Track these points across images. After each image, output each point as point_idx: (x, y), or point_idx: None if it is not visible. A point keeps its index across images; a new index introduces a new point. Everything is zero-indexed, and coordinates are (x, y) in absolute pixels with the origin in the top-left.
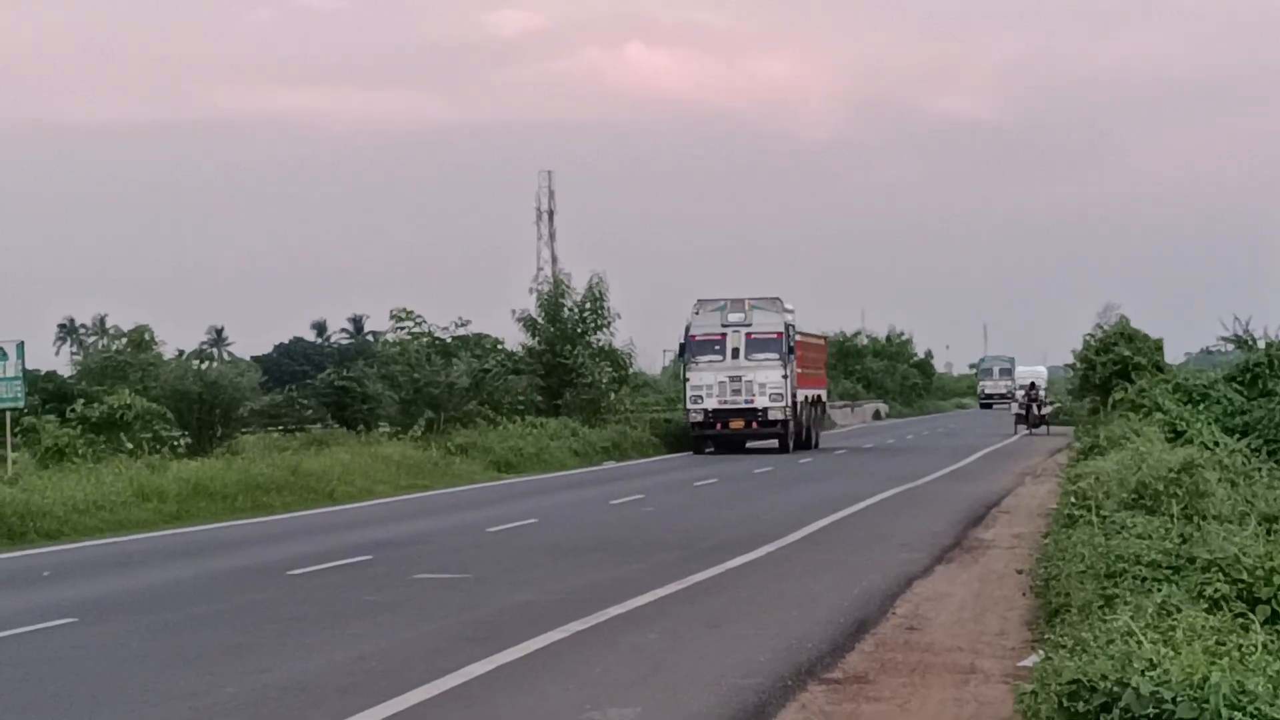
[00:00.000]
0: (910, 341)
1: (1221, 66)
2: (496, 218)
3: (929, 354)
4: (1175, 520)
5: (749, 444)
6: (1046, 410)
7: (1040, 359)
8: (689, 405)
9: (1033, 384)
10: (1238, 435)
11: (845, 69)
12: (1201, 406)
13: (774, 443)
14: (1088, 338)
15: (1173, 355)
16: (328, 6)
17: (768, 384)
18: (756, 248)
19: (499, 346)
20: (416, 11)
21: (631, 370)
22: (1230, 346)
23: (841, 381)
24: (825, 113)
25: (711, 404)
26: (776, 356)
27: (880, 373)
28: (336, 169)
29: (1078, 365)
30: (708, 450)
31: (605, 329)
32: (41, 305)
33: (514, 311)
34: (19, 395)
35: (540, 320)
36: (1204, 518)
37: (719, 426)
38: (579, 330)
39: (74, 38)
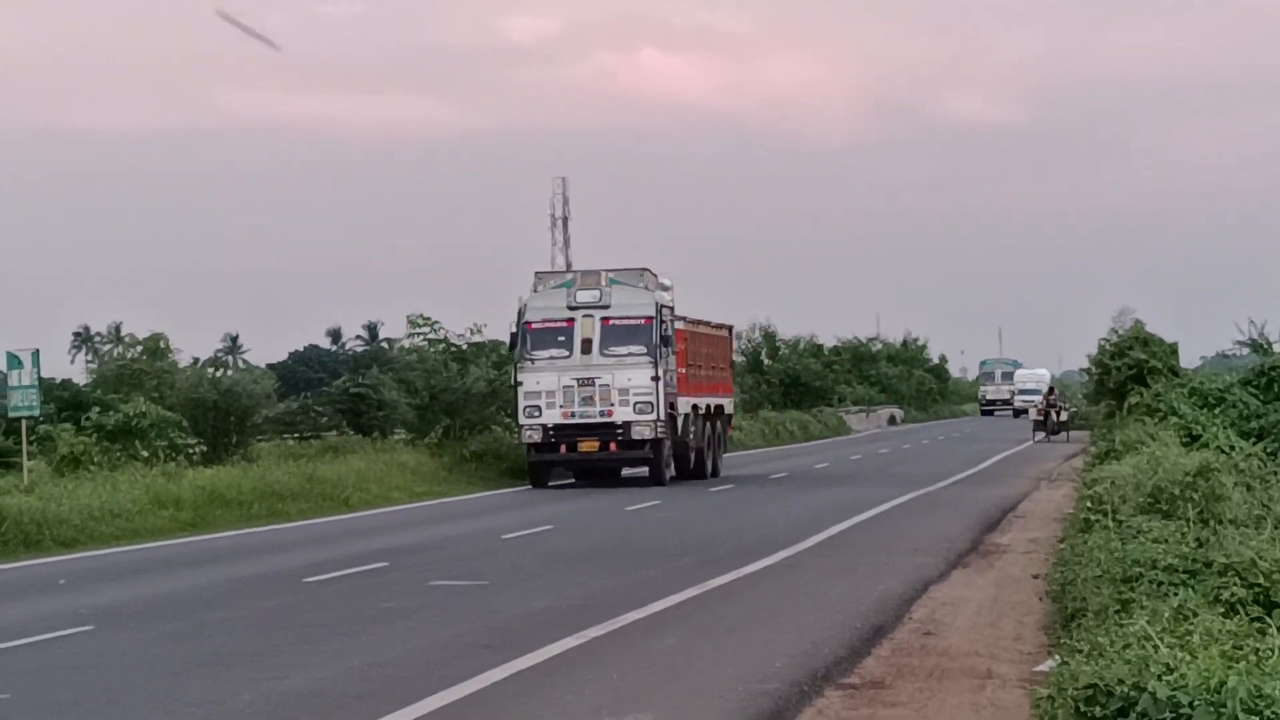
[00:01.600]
0: (925, 346)
1: (1239, 66)
2: (511, 223)
3: (943, 358)
4: (1191, 524)
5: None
6: (1065, 416)
7: (1055, 363)
8: (522, 420)
9: (1051, 389)
10: (1254, 439)
11: (859, 72)
12: (1217, 410)
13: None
14: (1103, 342)
15: (1188, 359)
16: (340, 12)
17: (631, 389)
18: (771, 251)
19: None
20: (430, 17)
21: None
22: (1245, 350)
23: (856, 387)
24: (839, 115)
25: (553, 417)
26: (644, 351)
27: (895, 378)
28: (350, 175)
29: (1093, 370)
30: (568, 482)
31: None
32: (56, 313)
33: None
34: (35, 403)
35: None
36: (1220, 522)
37: (564, 449)
38: None
39: (86, 43)
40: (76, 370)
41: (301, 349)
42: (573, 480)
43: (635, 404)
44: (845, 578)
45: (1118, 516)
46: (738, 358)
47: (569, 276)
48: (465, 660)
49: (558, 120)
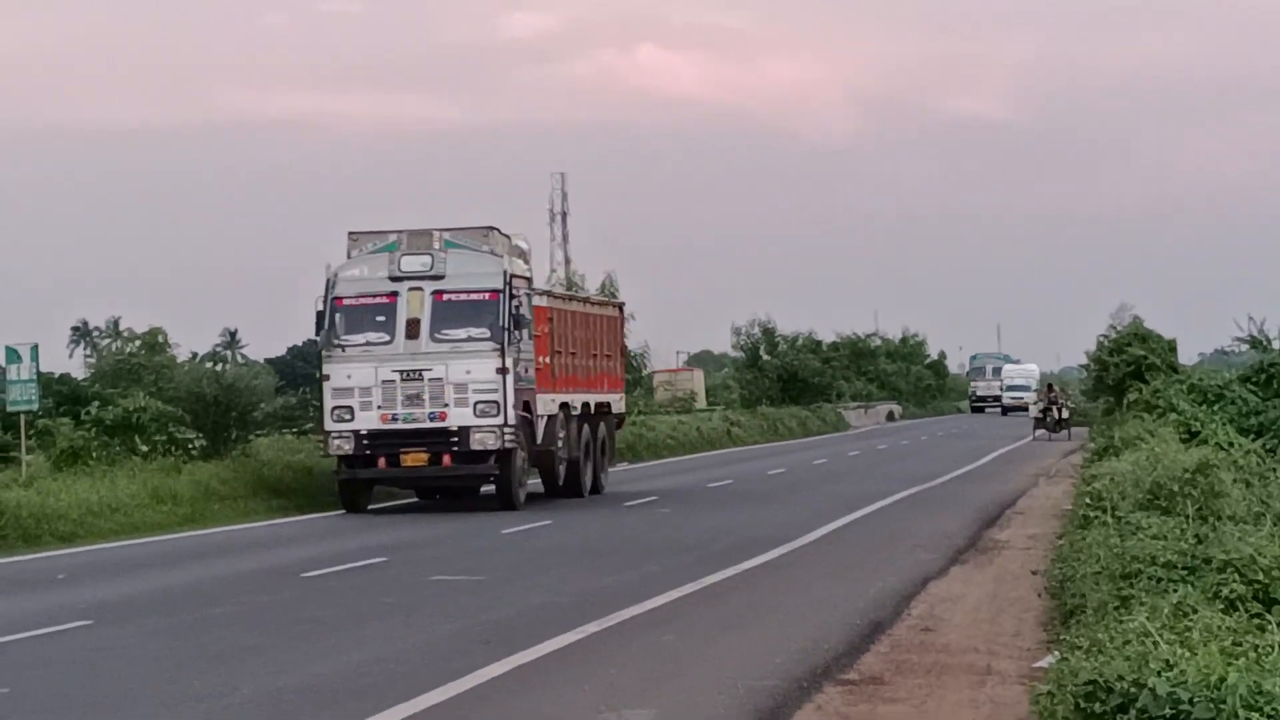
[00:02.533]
0: (924, 343)
1: (1236, 65)
2: (510, 219)
3: (942, 355)
4: (1191, 521)
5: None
6: (1066, 413)
7: (1054, 360)
8: (329, 425)
9: (1051, 385)
10: (1253, 435)
11: (858, 70)
12: (1216, 407)
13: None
14: (1101, 338)
15: (1187, 356)
16: (340, 9)
17: (471, 385)
18: (770, 248)
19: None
20: (429, 14)
21: (646, 372)
22: (1245, 347)
23: (855, 383)
24: (839, 113)
25: (369, 422)
26: (488, 334)
27: (894, 374)
28: (349, 171)
29: (1091, 366)
30: (404, 502)
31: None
32: (55, 308)
33: None
34: (34, 398)
35: None
36: (1219, 518)
37: (383, 463)
38: None
39: (87, 41)
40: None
41: (300, 344)
42: (415, 499)
43: (476, 404)
44: (844, 574)
45: (1117, 513)
46: (735, 354)
47: (392, 238)
48: (465, 655)
49: (557, 117)
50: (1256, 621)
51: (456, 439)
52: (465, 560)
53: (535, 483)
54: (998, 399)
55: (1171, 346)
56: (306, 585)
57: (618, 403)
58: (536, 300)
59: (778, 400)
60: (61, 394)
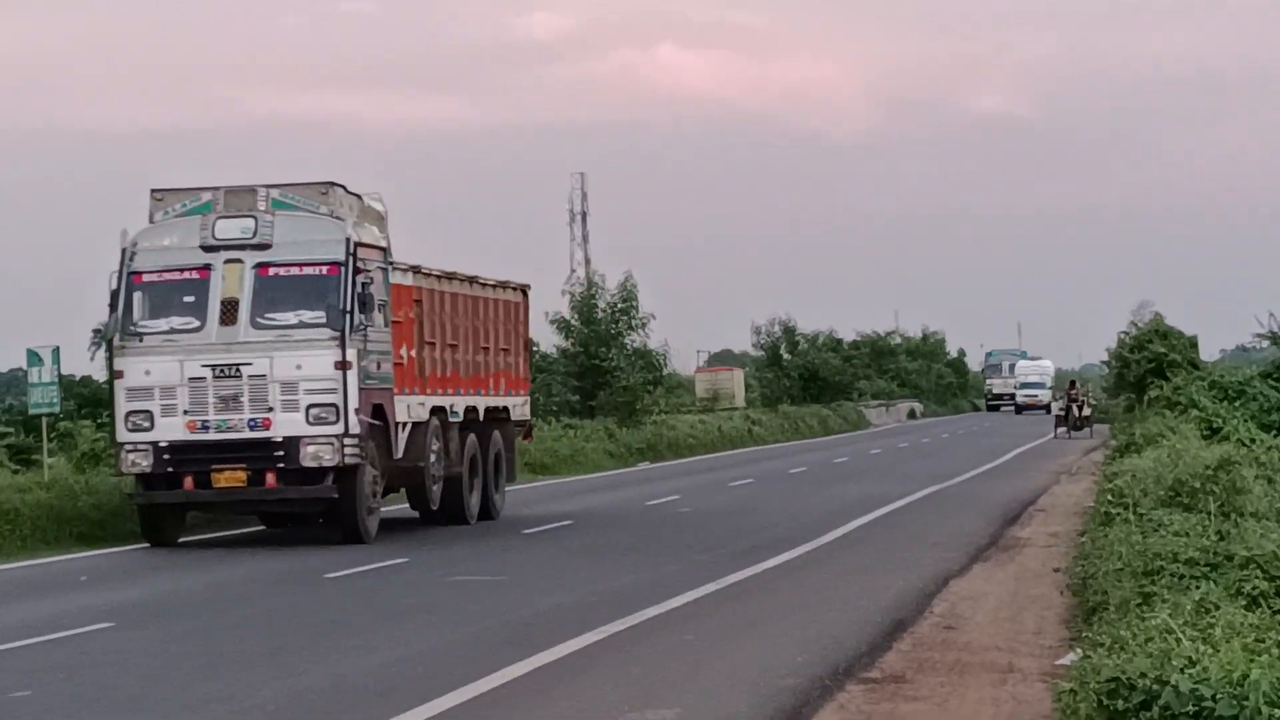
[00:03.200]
0: (944, 341)
1: (1257, 59)
2: (529, 220)
3: (962, 353)
4: (1212, 517)
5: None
6: (1088, 411)
7: (1075, 357)
8: (122, 435)
9: (1073, 382)
10: (1274, 432)
11: (878, 67)
12: (1238, 403)
13: (422, 512)
14: (1122, 335)
15: (1208, 352)
16: (359, 10)
17: (303, 383)
18: (790, 246)
19: (533, 348)
20: (448, 14)
21: (666, 371)
22: (1265, 343)
23: (876, 381)
24: (858, 111)
25: (171, 431)
26: (324, 320)
27: (914, 372)
28: (368, 172)
29: (1112, 363)
30: (248, 530)
31: (639, 330)
32: (77, 311)
33: (547, 314)
34: (55, 400)
35: (574, 322)
36: (1241, 514)
37: (190, 483)
38: (613, 332)
39: (103, 43)
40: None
41: None
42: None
43: (309, 408)
44: (865, 572)
45: (1138, 510)
46: (755, 353)
47: (205, 197)
48: (486, 656)
49: (576, 116)
50: (1279, 618)
51: (283, 453)
52: (487, 560)
53: (402, 507)
54: (1014, 397)
55: (1192, 343)
56: (329, 586)
57: (519, 407)
58: (398, 277)
59: (799, 399)
60: (83, 396)
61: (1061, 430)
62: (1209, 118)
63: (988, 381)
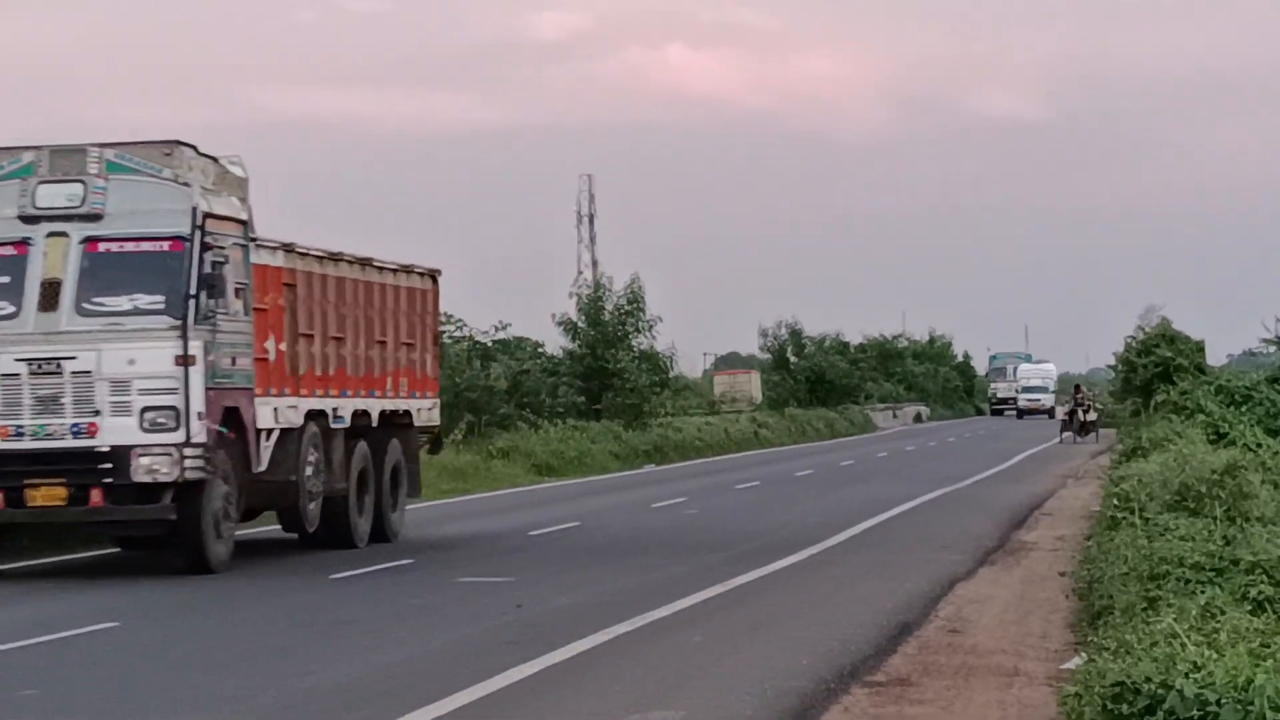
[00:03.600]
0: (951, 344)
1: (1266, 60)
2: (537, 221)
3: (968, 356)
4: (1219, 522)
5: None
6: (1094, 415)
7: (1082, 361)
8: None
9: (1078, 386)
10: None
11: (887, 68)
12: (1244, 408)
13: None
14: (1129, 339)
15: (1214, 357)
16: (369, 8)
17: (138, 382)
18: (799, 249)
19: (539, 350)
20: (458, 13)
21: (673, 374)
22: (1272, 348)
23: (883, 384)
24: (867, 112)
25: None
26: (163, 305)
27: (921, 376)
28: (376, 171)
29: (1119, 367)
30: (101, 553)
31: (645, 332)
32: None
33: (554, 315)
34: None
35: (580, 324)
36: (1247, 519)
37: (0, 500)
38: (619, 333)
39: (113, 41)
40: None
41: None
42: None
43: (144, 411)
44: (871, 575)
45: (1145, 514)
46: (762, 355)
47: (27, 157)
48: (492, 656)
49: (585, 116)
50: None
51: (111, 465)
52: (493, 561)
53: (274, 528)
54: (1016, 401)
55: (1199, 348)
56: (335, 587)
57: (425, 411)
58: (264, 256)
59: (805, 402)
60: None
61: (1067, 435)
62: (1218, 119)
63: (992, 385)
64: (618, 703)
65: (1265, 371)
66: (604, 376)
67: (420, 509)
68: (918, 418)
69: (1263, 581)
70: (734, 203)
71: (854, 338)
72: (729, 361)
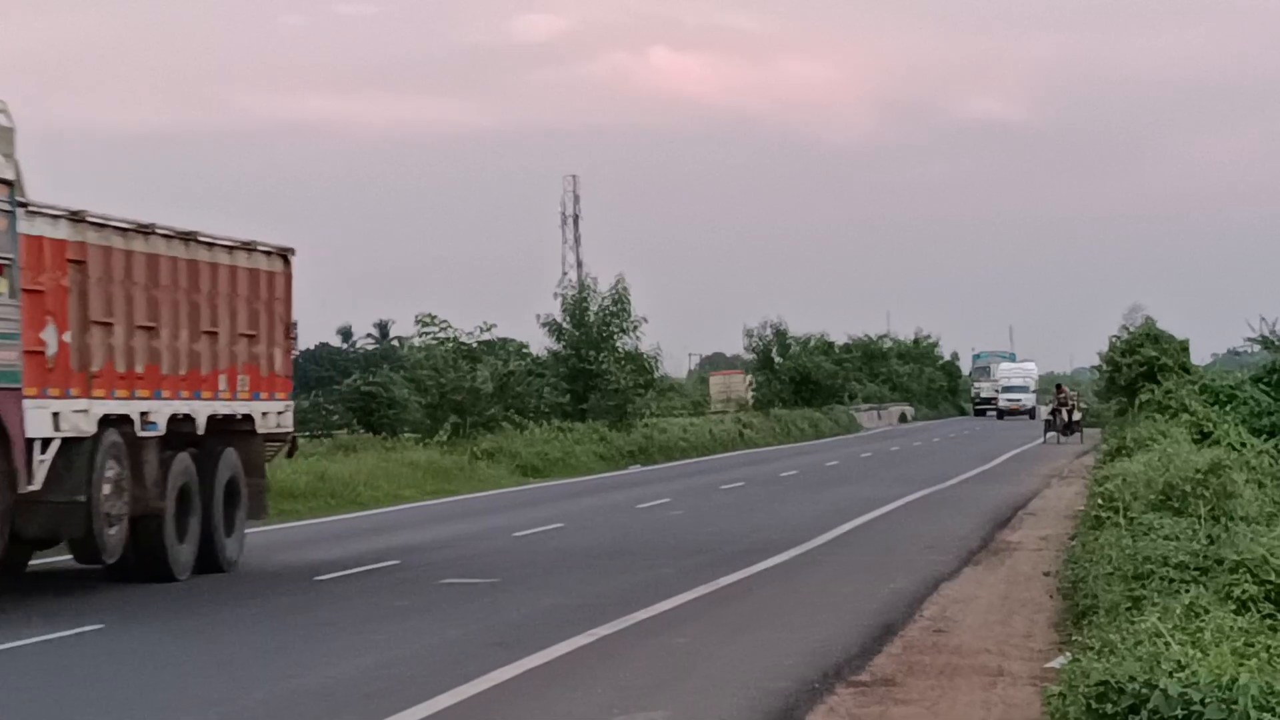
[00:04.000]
0: (936, 344)
1: (1250, 67)
2: (522, 222)
3: (954, 356)
4: (1203, 521)
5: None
6: (1079, 415)
7: (1067, 361)
8: None
9: (1060, 386)
10: (1265, 436)
11: (872, 72)
12: (1228, 407)
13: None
14: (1113, 339)
15: (1199, 356)
16: (355, 11)
17: None
18: (782, 250)
19: (524, 351)
20: (443, 16)
21: (657, 374)
22: (1257, 347)
23: (867, 385)
24: (852, 115)
25: None
26: None
27: (906, 376)
28: (362, 174)
29: (1104, 367)
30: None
31: (630, 333)
32: None
33: (538, 316)
34: None
35: (565, 325)
36: (1231, 519)
37: None
38: (604, 334)
39: (97, 42)
40: None
41: (312, 347)
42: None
43: None
44: (856, 575)
45: (1129, 514)
46: (747, 355)
47: None
48: (476, 658)
49: (570, 119)
50: (1269, 622)
51: None
52: (477, 562)
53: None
54: (995, 401)
55: (1184, 347)
56: (320, 589)
57: (274, 416)
58: (39, 226)
59: (790, 402)
60: None
61: (1051, 435)
62: (1203, 123)
63: (975, 385)
64: (601, 704)
65: (1249, 371)
66: (589, 377)
67: (404, 511)
68: (903, 418)
69: (1247, 581)
70: (719, 204)
71: (839, 338)
72: (714, 362)
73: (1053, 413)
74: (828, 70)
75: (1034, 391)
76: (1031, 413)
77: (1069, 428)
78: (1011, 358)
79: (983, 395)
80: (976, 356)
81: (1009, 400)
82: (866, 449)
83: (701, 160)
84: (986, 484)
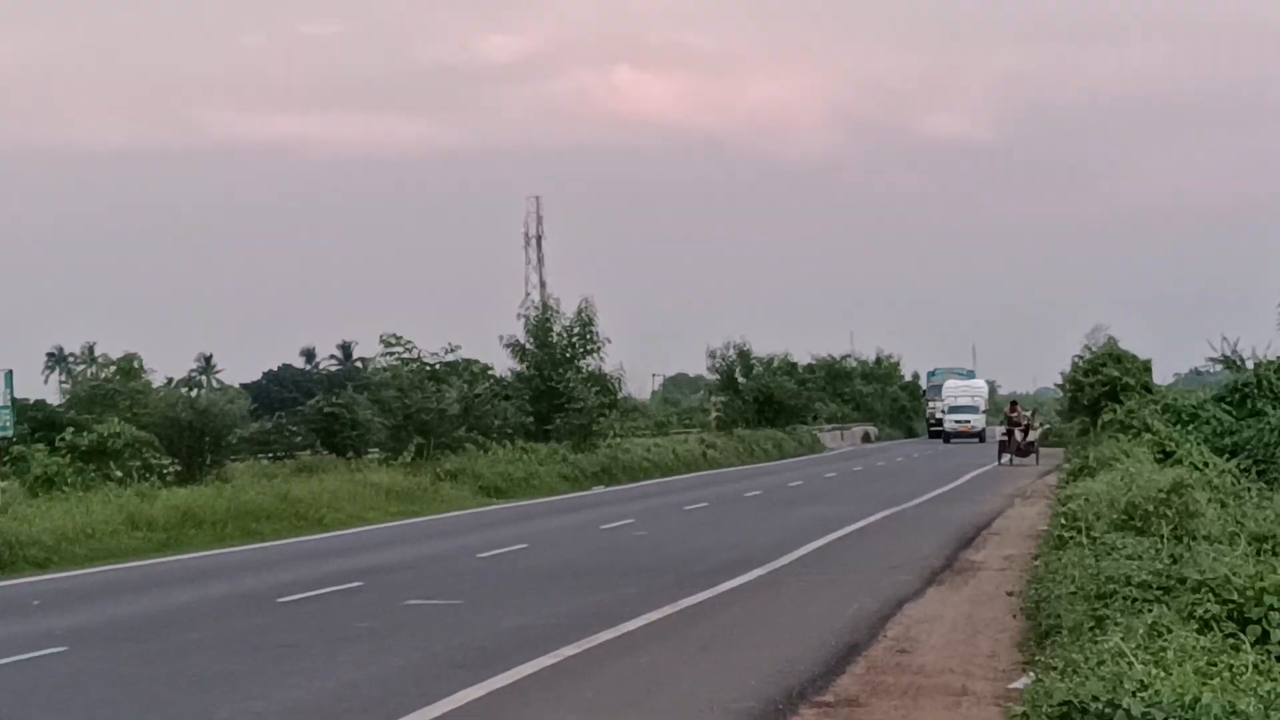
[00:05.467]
0: (899, 364)
1: (1210, 84)
2: (486, 243)
3: (916, 376)
4: (1165, 541)
5: None
6: (1034, 435)
7: (1030, 381)
8: None
9: (1013, 404)
10: (1227, 455)
11: (835, 90)
12: (1191, 427)
13: None
14: (1076, 359)
15: (1161, 376)
16: (319, 31)
17: None
18: (746, 270)
19: (488, 372)
20: (407, 36)
21: (621, 395)
22: (1219, 367)
23: (830, 405)
24: (815, 134)
25: None
26: None
27: (869, 396)
28: (325, 194)
29: (1066, 386)
30: None
31: (595, 354)
32: (30, 333)
33: (501, 337)
34: (8, 424)
35: (529, 345)
36: (1194, 538)
37: None
38: (568, 355)
39: (62, 63)
40: (50, 391)
41: (275, 369)
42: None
43: None
44: (820, 595)
45: (1092, 533)
46: (711, 376)
47: None
48: (440, 680)
49: (533, 139)
50: (1231, 641)
51: None
52: (441, 583)
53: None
54: (941, 423)
55: (1146, 367)
56: (282, 611)
57: None
58: None
59: (753, 422)
60: (36, 420)
61: (1006, 458)
62: (1164, 140)
63: (929, 404)
64: None
65: (1211, 390)
66: (553, 398)
67: (368, 532)
68: (866, 437)
69: (1209, 600)
70: (682, 224)
71: (802, 358)
72: (677, 383)
73: (1007, 433)
74: (790, 88)
75: (984, 412)
76: (981, 435)
77: (1024, 449)
78: (970, 375)
79: (938, 416)
80: (931, 374)
81: (956, 422)
82: (830, 469)
83: (664, 180)
84: (950, 504)
